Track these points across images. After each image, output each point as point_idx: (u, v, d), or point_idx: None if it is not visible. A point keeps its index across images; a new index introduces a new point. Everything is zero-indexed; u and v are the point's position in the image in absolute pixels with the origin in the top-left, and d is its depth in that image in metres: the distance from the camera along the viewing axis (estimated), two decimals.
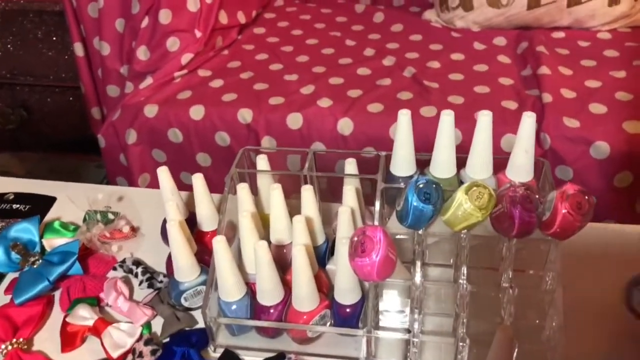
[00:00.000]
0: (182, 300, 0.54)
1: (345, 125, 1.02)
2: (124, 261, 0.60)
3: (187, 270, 0.53)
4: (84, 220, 0.63)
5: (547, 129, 0.94)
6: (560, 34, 1.22)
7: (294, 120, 1.04)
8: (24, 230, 0.60)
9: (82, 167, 1.55)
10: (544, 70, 1.07)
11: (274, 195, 0.50)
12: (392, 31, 1.30)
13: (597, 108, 0.97)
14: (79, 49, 1.25)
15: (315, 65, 1.17)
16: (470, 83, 1.08)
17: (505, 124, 0.96)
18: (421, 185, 0.41)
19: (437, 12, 1.31)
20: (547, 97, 0.99)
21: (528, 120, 0.44)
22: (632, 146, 0.90)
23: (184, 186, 1.15)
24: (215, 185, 1.11)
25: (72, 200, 0.62)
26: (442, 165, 0.47)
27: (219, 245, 0.46)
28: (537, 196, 0.41)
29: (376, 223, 0.48)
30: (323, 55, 1.22)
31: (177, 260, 0.52)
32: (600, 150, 0.91)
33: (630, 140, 0.90)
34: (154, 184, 1.18)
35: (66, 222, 0.64)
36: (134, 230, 0.63)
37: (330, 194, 0.62)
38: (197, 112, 1.07)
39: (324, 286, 0.51)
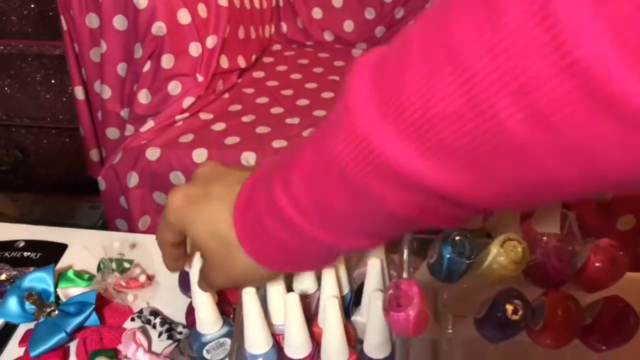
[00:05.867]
0: (204, 353, 0.53)
1: None
2: (141, 311, 0.59)
3: (209, 322, 0.52)
4: (99, 268, 0.62)
5: None
6: None
7: None
8: (38, 279, 0.58)
9: (76, 209, 1.53)
10: None
11: None
12: None
13: None
14: (79, 92, 1.26)
15: (316, 109, 1.19)
16: None
17: None
18: (456, 239, 0.42)
19: None
20: None
21: None
22: None
23: None
24: None
25: (87, 248, 0.61)
26: None
27: (248, 297, 0.46)
28: (569, 247, 0.42)
29: (405, 275, 0.49)
30: (323, 99, 1.24)
31: (199, 312, 0.52)
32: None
33: None
34: (155, 226, 1.17)
35: (79, 270, 0.63)
36: (150, 278, 0.62)
37: None
38: (200, 155, 1.07)
39: (351, 338, 0.50)
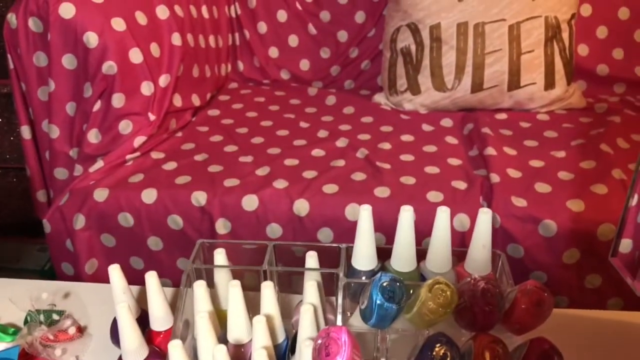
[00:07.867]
0: None
1: (301, 207, 1.02)
2: None
3: None
4: (25, 321, 0.59)
5: (497, 208, 0.97)
6: (503, 116, 1.29)
7: (250, 202, 1.03)
8: None
9: (24, 251, 1.48)
10: (490, 150, 1.11)
11: (232, 293, 0.48)
12: (344, 113, 1.34)
13: (542, 187, 1.01)
14: (26, 132, 1.22)
15: (270, 147, 1.18)
16: (421, 163, 1.11)
17: (456, 204, 0.98)
18: (385, 284, 0.41)
19: (386, 95, 1.37)
20: (495, 177, 1.03)
21: (484, 217, 0.45)
22: (576, 224, 0.94)
23: (133, 271, 1.11)
24: (166, 268, 1.09)
25: (12, 301, 0.58)
26: (403, 260, 0.48)
27: (175, 350, 0.44)
28: (497, 290, 0.41)
29: (339, 318, 0.47)
30: (278, 137, 1.23)
31: None
32: (548, 228, 0.94)
33: (574, 218, 0.94)
34: (102, 269, 1.13)
35: (5, 324, 0.60)
36: (81, 330, 0.59)
37: (287, 280, 0.61)
38: (149, 196, 1.05)
39: None
